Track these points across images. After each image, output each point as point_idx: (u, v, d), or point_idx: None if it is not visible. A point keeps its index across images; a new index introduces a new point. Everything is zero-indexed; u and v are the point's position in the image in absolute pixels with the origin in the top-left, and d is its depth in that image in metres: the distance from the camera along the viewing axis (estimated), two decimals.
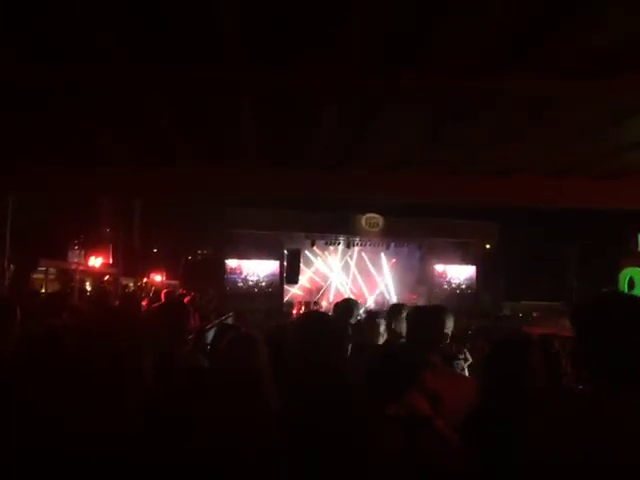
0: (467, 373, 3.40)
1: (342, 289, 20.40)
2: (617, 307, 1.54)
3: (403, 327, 3.63)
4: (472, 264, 21.33)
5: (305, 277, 20.52)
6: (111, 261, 19.10)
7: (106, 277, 19.62)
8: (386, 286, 20.98)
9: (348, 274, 20.96)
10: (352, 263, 20.97)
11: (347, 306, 4.74)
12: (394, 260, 21.10)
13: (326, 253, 20.89)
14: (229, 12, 3.33)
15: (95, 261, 17.54)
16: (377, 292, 20.90)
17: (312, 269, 20.86)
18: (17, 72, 4.04)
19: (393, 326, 4.00)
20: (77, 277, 15.94)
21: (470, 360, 3.46)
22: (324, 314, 2.93)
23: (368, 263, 21.06)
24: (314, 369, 2.03)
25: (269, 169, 6.77)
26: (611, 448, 1.35)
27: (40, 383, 1.98)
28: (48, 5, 3.30)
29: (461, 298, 20.19)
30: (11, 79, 4.14)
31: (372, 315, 4.76)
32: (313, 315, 2.78)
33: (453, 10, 3.32)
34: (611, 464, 1.33)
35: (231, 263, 20.08)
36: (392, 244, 20.44)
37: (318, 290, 20.71)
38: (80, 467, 1.82)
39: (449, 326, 3.52)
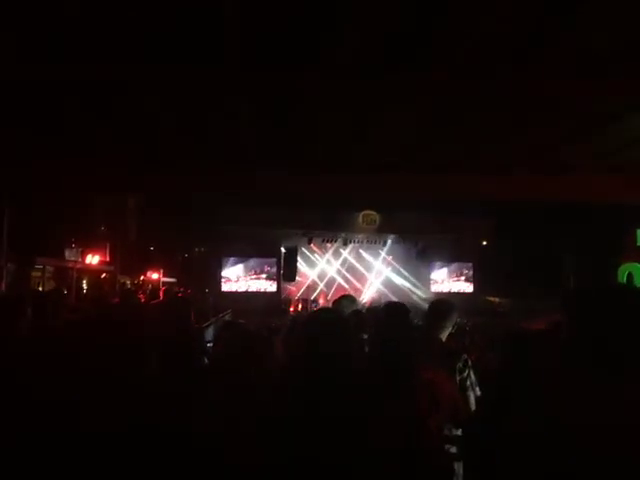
0: (472, 376, 3.40)
1: (339, 286, 20.40)
2: (613, 296, 1.54)
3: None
4: (469, 260, 21.37)
5: (302, 275, 20.52)
6: (108, 259, 19.05)
7: (103, 275, 19.59)
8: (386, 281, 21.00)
9: (346, 271, 20.98)
10: (350, 260, 20.99)
11: (345, 303, 4.75)
12: (391, 257, 21.13)
13: (323, 250, 20.89)
14: (230, 12, 3.33)
15: (92, 259, 17.49)
16: (374, 289, 20.92)
17: (309, 266, 20.86)
18: (16, 72, 4.03)
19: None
20: (74, 275, 15.90)
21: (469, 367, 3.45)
22: (336, 311, 2.95)
23: (365, 260, 21.08)
24: (322, 366, 2.03)
25: (269, 169, 6.77)
26: (590, 431, 1.36)
27: (46, 380, 1.98)
28: (48, 4, 3.29)
29: (458, 294, 20.22)
30: (11, 79, 4.13)
31: (372, 310, 4.77)
32: (326, 312, 2.79)
33: (453, 10, 3.32)
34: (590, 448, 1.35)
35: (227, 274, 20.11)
36: (389, 241, 20.46)
37: (315, 288, 20.72)
38: (79, 466, 1.82)
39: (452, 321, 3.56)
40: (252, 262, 20.18)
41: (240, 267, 20.21)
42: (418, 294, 20.38)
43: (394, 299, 16.87)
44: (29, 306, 2.88)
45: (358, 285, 20.76)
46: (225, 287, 20.02)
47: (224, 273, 20.14)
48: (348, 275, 20.94)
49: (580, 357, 1.51)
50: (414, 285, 21.01)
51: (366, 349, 3.24)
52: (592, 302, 1.54)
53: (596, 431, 1.36)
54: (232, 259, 20.15)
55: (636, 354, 1.46)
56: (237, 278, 20.14)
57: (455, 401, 2.78)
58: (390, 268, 21.17)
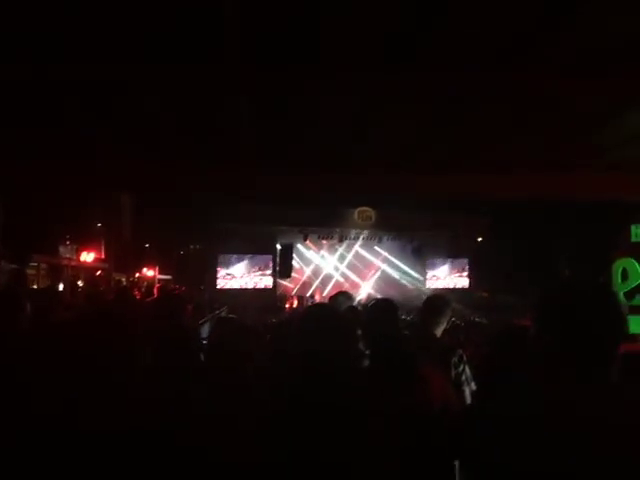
0: (467, 370, 3.41)
1: (335, 282, 20.43)
2: (585, 295, 1.54)
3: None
4: (464, 257, 21.41)
5: (298, 271, 20.53)
6: (103, 256, 19.01)
7: (98, 272, 19.53)
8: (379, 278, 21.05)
9: (341, 267, 20.99)
10: (345, 256, 21.01)
11: (341, 299, 4.76)
12: (387, 253, 21.16)
13: (319, 247, 20.91)
14: (230, 12, 3.33)
15: (87, 256, 17.44)
16: (370, 285, 20.96)
17: (305, 263, 20.87)
18: (17, 71, 4.01)
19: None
20: (69, 272, 15.86)
21: (465, 362, 3.46)
22: (331, 307, 2.95)
23: (361, 256, 21.11)
24: (321, 363, 2.03)
25: (268, 167, 6.77)
26: (581, 438, 1.36)
27: (42, 379, 1.97)
28: (47, 4, 3.28)
29: (453, 291, 20.27)
30: (11, 79, 4.12)
31: (367, 307, 4.77)
32: (321, 308, 2.79)
33: (453, 9, 3.32)
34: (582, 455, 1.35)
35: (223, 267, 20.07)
36: (385, 237, 20.49)
37: (311, 284, 20.74)
38: (77, 465, 1.82)
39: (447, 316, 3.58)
40: (257, 259, 20.12)
41: (245, 263, 20.13)
42: (414, 290, 20.41)
43: (390, 295, 16.91)
44: (27, 302, 2.87)
45: (356, 281, 20.79)
46: (229, 284, 19.94)
47: (229, 270, 20.06)
48: (344, 271, 20.97)
49: (555, 359, 1.51)
50: (410, 281, 21.05)
51: (360, 346, 3.24)
52: (567, 305, 1.54)
53: (596, 430, 1.36)
54: (236, 256, 20.09)
55: (611, 353, 1.47)
56: (242, 275, 20.08)
57: (447, 397, 2.79)
58: (386, 264, 21.20)
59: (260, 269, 20.19)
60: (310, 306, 2.64)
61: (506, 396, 1.67)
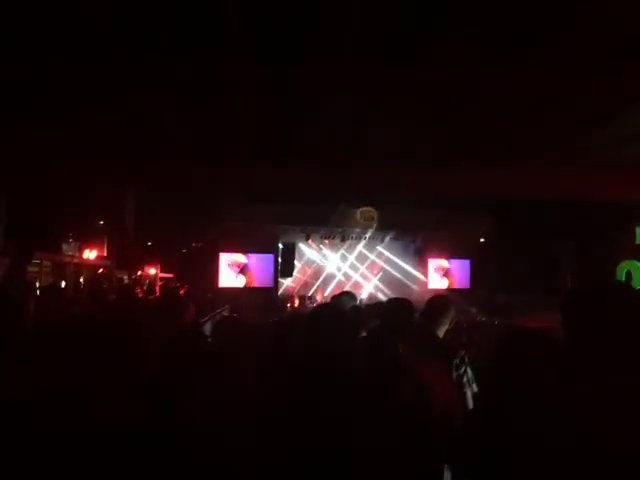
0: (469, 372, 3.40)
1: (337, 282, 20.41)
2: (612, 295, 1.53)
3: None
4: (467, 257, 21.38)
5: (300, 271, 20.52)
6: (105, 254, 19.00)
7: (100, 270, 19.52)
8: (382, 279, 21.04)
9: (344, 267, 20.98)
10: (348, 256, 20.99)
11: (345, 299, 4.76)
12: (389, 252, 21.14)
13: (321, 246, 20.90)
14: (231, 12, 3.33)
15: (90, 254, 17.45)
16: (372, 285, 20.94)
17: (307, 263, 20.85)
18: (17, 71, 4.03)
19: None
20: (72, 270, 15.88)
21: (466, 364, 3.43)
22: (337, 307, 2.95)
23: (364, 256, 21.09)
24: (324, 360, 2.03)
25: (268, 165, 6.79)
26: (597, 437, 1.35)
27: (45, 379, 1.97)
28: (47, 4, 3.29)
29: (455, 291, 20.24)
30: (11, 78, 4.14)
31: (370, 307, 4.77)
32: (327, 309, 2.79)
33: (454, 8, 3.33)
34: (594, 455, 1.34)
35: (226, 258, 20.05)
36: (387, 237, 20.48)
37: (313, 284, 20.72)
38: (79, 466, 1.82)
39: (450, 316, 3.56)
40: (259, 258, 20.06)
41: (247, 262, 20.07)
42: (416, 290, 20.39)
43: (392, 295, 16.86)
44: (30, 299, 2.87)
45: (358, 281, 20.78)
46: (231, 283, 19.88)
47: (231, 269, 19.99)
48: (346, 271, 20.95)
49: (580, 357, 1.49)
50: (412, 281, 21.02)
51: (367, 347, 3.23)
52: (593, 303, 1.53)
53: (600, 432, 1.35)
54: (237, 255, 20.03)
55: (637, 353, 1.45)
56: (243, 273, 20.03)
57: (450, 399, 2.77)
58: (389, 264, 21.18)
59: (262, 268, 20.18)
60: (317, 307, 2.63)
61: (508, 400, 1.65)
